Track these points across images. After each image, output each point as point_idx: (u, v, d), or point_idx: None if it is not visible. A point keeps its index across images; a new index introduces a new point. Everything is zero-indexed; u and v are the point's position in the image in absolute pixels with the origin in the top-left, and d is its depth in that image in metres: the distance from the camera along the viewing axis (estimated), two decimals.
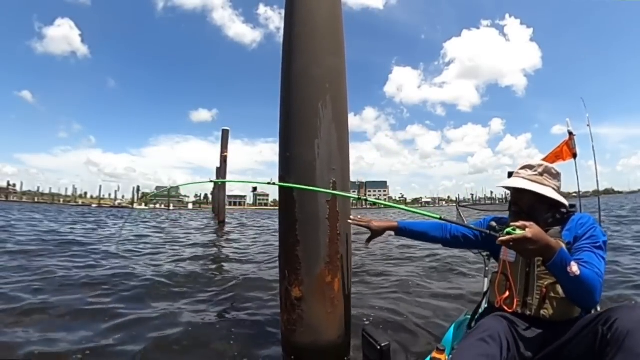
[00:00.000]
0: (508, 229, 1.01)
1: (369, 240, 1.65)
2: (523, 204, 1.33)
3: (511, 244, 1.00)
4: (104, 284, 3.83)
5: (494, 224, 1.19)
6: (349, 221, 1.69)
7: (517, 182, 1.33)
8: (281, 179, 2.00)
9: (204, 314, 2.91)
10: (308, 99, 1.99)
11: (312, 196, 1.86)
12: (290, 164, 1.94)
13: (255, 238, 9.92)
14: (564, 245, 1.10)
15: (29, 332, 2.42)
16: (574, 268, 1.02)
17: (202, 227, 15.00)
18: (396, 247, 7.26)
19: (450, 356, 1.15)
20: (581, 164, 3.25)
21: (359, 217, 1.68)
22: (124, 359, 2.10)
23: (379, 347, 1.36)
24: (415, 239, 1.66)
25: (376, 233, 1.62)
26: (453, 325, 1.70)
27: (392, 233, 1.65)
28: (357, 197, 1.65)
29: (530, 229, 0.99)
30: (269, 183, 1.79)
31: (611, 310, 1.00)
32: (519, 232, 1.00)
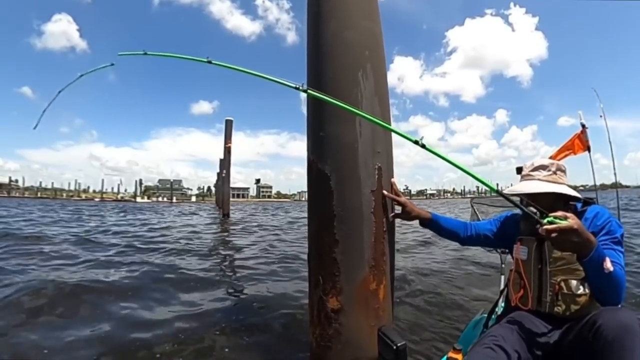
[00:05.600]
0: (549, 218, 0.92)
1: (395, 216, 1.61)
2: (542, 205, 1.21)
3: (554, 234, 0.91)
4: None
5: (533, 209, 1.06)
6: (384, 192, 1.54)
7: (535, 186, 1.29)
8: (311, 163, 1.65)
9: (216, 326, 2.57)
10: (345, 68, 1.64)
11: (355, 186, 1.51)
12: (325, 145, 1.58)
13: (263, 234, 9.60)
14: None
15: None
16: (608, 264, 0.98)
17: (208, 222, 14.73)
18: (410, 240, 6.97)
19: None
20: (587, 157, 3.02)
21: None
22: None
23: (394, 347, 1.35)
24: (440, 234, 1.64)
25: (407, 215, 1.58)
26: (470, 325, 1.68)
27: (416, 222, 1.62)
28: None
29: (573, 220, 0.92)
30: (296, 88, 1.38)
31: (596, 314, 0.97)
32: (563, 222, 0.91)
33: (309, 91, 1.41)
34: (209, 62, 1.63)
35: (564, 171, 1.34)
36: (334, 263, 1.54)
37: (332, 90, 1.64)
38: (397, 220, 1.66)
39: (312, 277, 1.69)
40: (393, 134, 1.81)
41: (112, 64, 1.71)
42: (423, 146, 1.12)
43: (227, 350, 2.21)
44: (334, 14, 1.77)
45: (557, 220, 0.92)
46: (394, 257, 1.71)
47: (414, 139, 1.13)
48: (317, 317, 1.65)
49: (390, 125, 1.74)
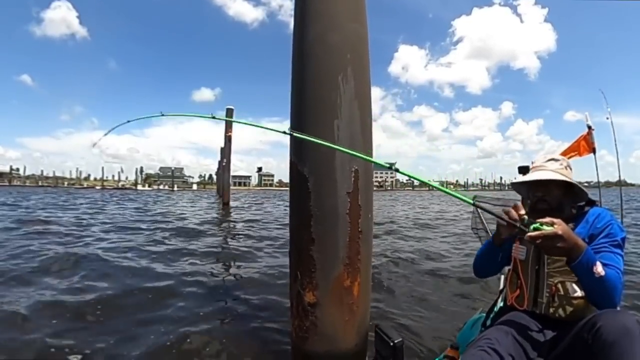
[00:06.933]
0: (535, 225, 0.94)
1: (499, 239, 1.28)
2: (552, 199, 1.27)
3: (538, 240, 0.92)
4: None
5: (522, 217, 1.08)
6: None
7: (549, 175, 1.27)
8: (293, 166, 1.72)
9: (204, 315, 2.67)
10: (326, 71, 1.68)
11: (331, 188, 1.58)
12: (305, 148, 1.64)
13: (260, 224, 9.71)
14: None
15: None
16: (599, 268, 0.99)
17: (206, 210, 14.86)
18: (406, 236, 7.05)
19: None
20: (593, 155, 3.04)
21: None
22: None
23: (391, 344, 1.35)
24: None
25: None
26: (468, 323, 1.67)
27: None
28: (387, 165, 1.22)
29: (559, 226, 0.93)
30: (284, 132, 1.49)
31: (595, 316, 0.96)
32: (548, 228, 0.93)
33: (293, 134, 1.47)
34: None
35: (571, 170, 1.35)
36: (311, 260, 1.62)
37: (313, 93, 1.70)
38: (375, 221, 1.72)
39: (292, 271, 1.77)
40: (373, 136, 1.88)
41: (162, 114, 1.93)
42: (397, 170, 1.15)
43: (211, 334, 2.31)
44: (319, 15, 1.78)
45: (543, 227, 0.93)
46: (370, 257, 1.79)
47: (387, 164, 1.18)
48: (296, 310, 1.74)
49: (371, 132, 1.81)
